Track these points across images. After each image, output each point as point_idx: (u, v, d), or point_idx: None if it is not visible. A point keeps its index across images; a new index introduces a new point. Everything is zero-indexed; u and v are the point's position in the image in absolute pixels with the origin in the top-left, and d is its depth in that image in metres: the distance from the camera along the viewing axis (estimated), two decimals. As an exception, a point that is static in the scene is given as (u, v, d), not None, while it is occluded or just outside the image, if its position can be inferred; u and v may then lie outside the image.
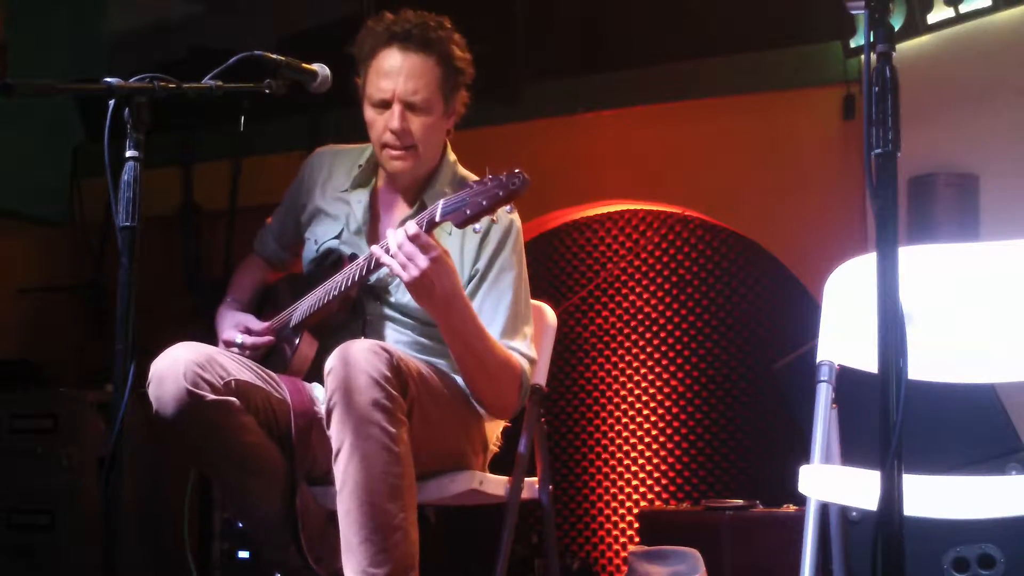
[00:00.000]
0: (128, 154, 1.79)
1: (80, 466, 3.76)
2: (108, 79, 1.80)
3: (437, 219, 2.05)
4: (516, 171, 1.98)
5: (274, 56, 2.07)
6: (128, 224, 1.77)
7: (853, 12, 1.48)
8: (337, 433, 2.02)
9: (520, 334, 2.34)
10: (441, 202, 2.05)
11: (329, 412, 2.03)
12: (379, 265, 2.18)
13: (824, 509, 2.09)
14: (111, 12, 5.10)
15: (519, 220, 2.42)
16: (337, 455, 2.02)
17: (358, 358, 2.01)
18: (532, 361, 2.35)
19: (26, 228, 4.92)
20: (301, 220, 2.56)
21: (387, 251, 2.10)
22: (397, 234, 2.06)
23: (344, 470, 2.01)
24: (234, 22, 4.79)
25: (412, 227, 2.05)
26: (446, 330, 2.17)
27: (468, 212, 2.00)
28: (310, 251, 2.50)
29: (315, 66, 2.15)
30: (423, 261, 2.04)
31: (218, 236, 4.65)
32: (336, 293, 2.30)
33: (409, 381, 2.08)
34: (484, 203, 1.99)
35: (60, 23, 4.81)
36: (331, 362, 2.04)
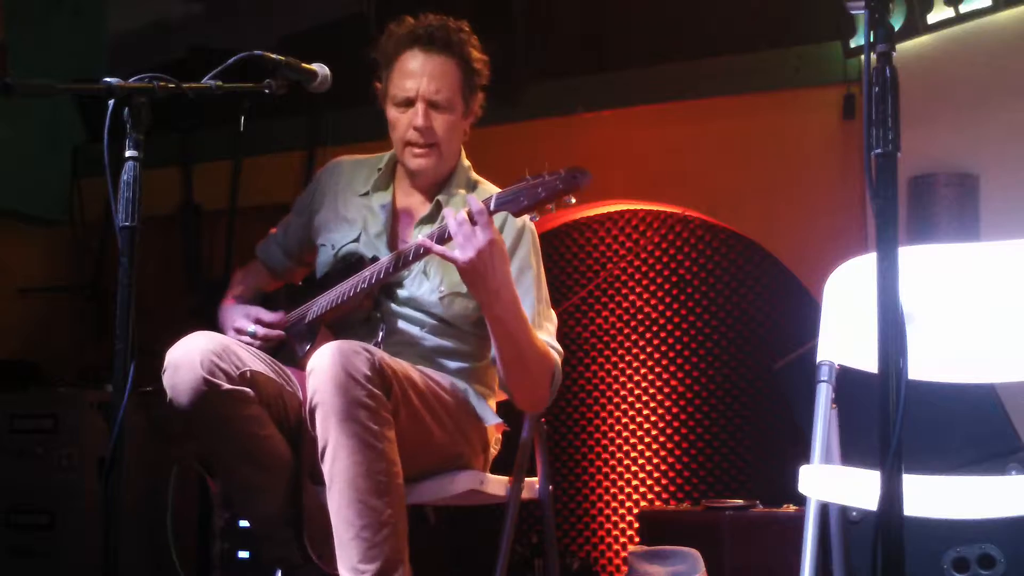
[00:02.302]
0: (128, 154, 1.79)
1: (80, 466, 3.76)
2: (108, 79, 1.80)
3: (492, 208, 2.05)
4: (577, 167, 2.00)
5: (274, 56, 2.08)
6: (128, 224, 1.77)
7: (853, 12, 1.48)
8: (321, 431, 2.02)
9: (545, 330, 2.37)
10: (496, 194, 2.07)
11: (312, 411, 2.04)
12: (406, 263, 2.21)
13: (824, 509, 2.09)
14: (111, 12, 5.10)
15: (532, 222, 2.43)
16: (323, 453, 2.03)
17: (338, 357, 2.02)
18: (560, 354, 2.36)
19: (26, 228, 4.93)
20: (313, 226, 2.57)
21: (435, 236, 2.12)
22: (459, 214, 2.06)
23: (330, 468, 2.02)
24: (234, 22, 4.79)
25: (476, 204, 2.05)
26: (491, 319, 2.17)
27: (524, 201, 2.00)
28: (326, 256, 2.50)
29: (315, 66, 2.16)
30: (482, 239, 2.04)
31: (218, 236, 4.65)
32: (364, 287, 2.30)
33: (392, 381, 2.09)
34: (542, 193, 1.99)
35: (60, 23, 4.81)
36: (312, 362, 2.05)
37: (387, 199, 2.48)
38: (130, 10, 5.06)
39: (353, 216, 2.49)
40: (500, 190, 2.08)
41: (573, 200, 2.00)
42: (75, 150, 4.90)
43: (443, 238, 2.11)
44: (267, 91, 2.07)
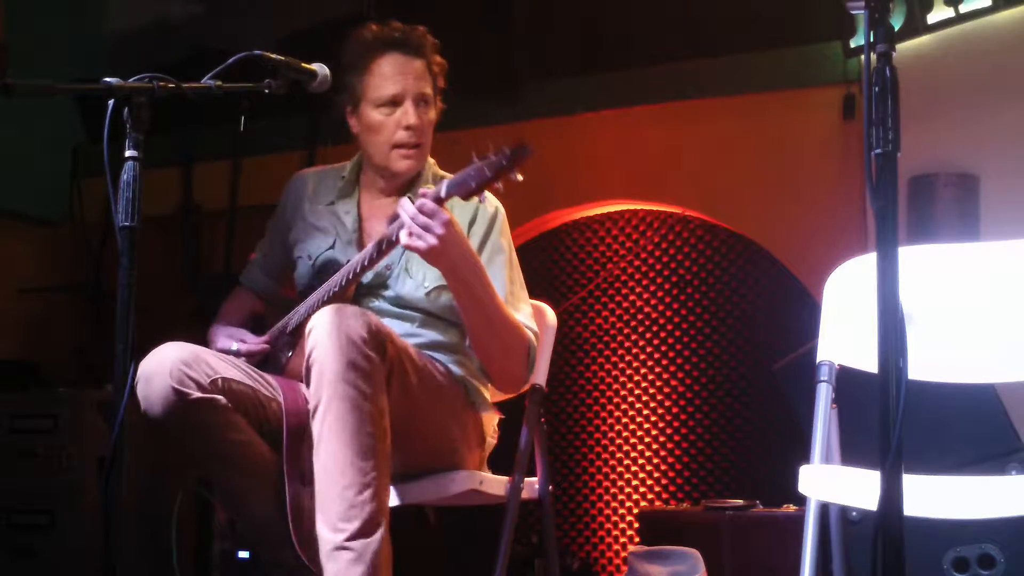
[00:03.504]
0: (128, 154, 1.78)
1: (80, 466, 3.76)
2: (108, 79, 1.80)
3: (443, 195, 2.10)
4: (520, 144, 2.02)
5: (274, 56, 2.07)
6: (128, 224, 1.77)
7: (853, 12, 1.48)
8: (314, 391, 2.04)
9: (520, 311, 2.39)
10: (445, 181, 2.11)
11: (308, 370, 2.06)
12: (381, 254, 2.23)
13: (824, 509, 2.09)
14: (111, 12, 5.10)
15: (503, 208, 2.49)
16: (314, 412, 2.05)
17: (337, 319, 2.04)
18: (535, 334, 2.38)
19: (26, 228, 4.92)
20: (288, 241, 2.58)
21: (394, 232, 2.16)
22: (407, 207, 2.11)
23: (320, 427, 2.03)
24: (234, 22, 4.79)
25: (424, 201, 2.11)
26: (457, 283, 2.22)
27: (473, 184, 2.06)
28: (304, 267, 2.51)
29: (315, 66, 2.16)
30: (438, 228, 2.09)
31: (218, 236, 4.65)
32: (336, 290, 2.31)
33: (388, 345, 2.10)
34: (488, 173, 2.03)
35: (60, 23, 4.81)
36: (312, 322, 2.07)
37: (352, 206, 2.51)
38: (130, 10, 5.06)
39: (324, 225, 2.52)
40: (449, 179, 2.13)
41: (520, 177, 2.03)
42: (75, 150, 4.90)
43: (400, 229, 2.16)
44: (267, 91, 2.07)
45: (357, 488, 2.00)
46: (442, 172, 2.54)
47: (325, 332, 2.02)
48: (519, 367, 2.34)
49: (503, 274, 2.39)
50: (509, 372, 2.35)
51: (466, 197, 2.08)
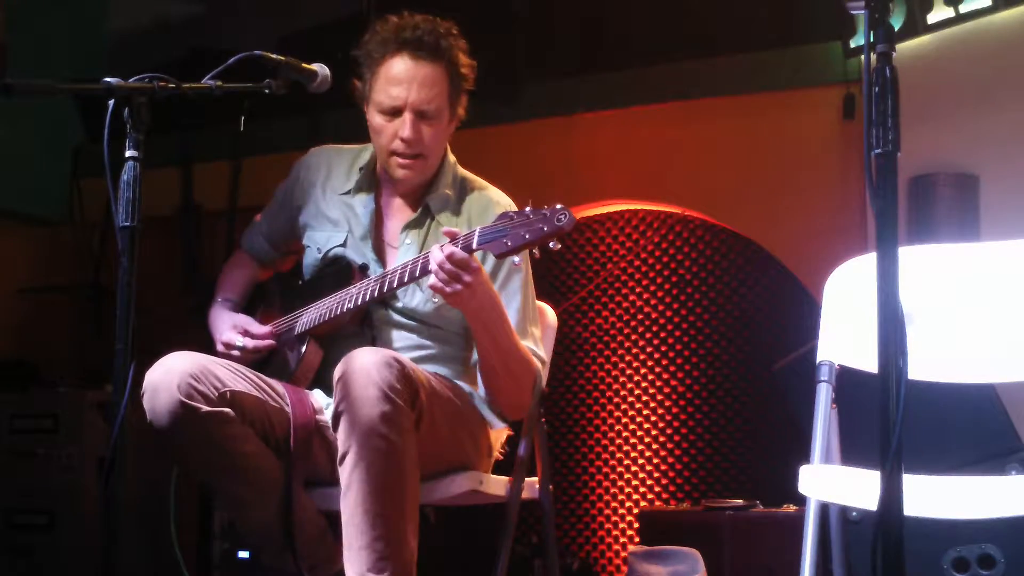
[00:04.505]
0: (128, 154, 1.79)
1: (80, 466, 3.76)
2: (108, 79, 1.80)
3: (474, 246, 2.05)
4: (560, 206, 1.98)
5: (274, 56, 2.07)
6: (128, 224, 1.77)
7: (853, 12, 1.48)
8: (344, 439, 2.03)
9: (530, 335, 2.37)
10: (479, 229, 2.06)
11: (337, 417, 2.04)
12: (402, 284, 2.20)
13: (824, 509, 2.09)
14: (111, 12, 5.11)
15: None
16: (343, 459, 2.04)
17: (368, 369, 2.01)
18: (543, 362, 2.38)
19: (26, 228, 4.93)
20: (298, 221, 2.54)
21: (419, 266, 2.13)
22: (435, 254, 2.07)
23: (349, 476, 2.02)
24: (234, 22, 4.79)
25: (457, 252, 2.07)
26: (477, 326, 2.21)
27: (508, 244, 2.00)
28: (312, 257, 2.48)
29: (315, 66, 2.15)
30: (467, 278, 2.07)
31: (218, 236, 4.64)
32: (351, 306, 2.29)
33: (420, 391, 2.09)
34: (527, 236, 1.98)
35: (60, 23, 4.81)
36: (341, 369, 2.04)
37: (370, 201, 2.45)
38: (130, 10, 5.06)
39: (336, 216, 2.47)
40: (482, 227, 2.07)
41: (558, 246, 2.00)
42: (75, 150, 4.90)
43: (426, 268, 2.12)
44: (267, 91, 2.06)
45: (386, 540, 2.00)
46: (464, 172, 2.49)
47: (355, 382, 2.00)
48: (525, 397, 2.33)
49: (520, 295, 2.37)
50: (514, 401, 2.34)
51: (499, 256, 2.04)
